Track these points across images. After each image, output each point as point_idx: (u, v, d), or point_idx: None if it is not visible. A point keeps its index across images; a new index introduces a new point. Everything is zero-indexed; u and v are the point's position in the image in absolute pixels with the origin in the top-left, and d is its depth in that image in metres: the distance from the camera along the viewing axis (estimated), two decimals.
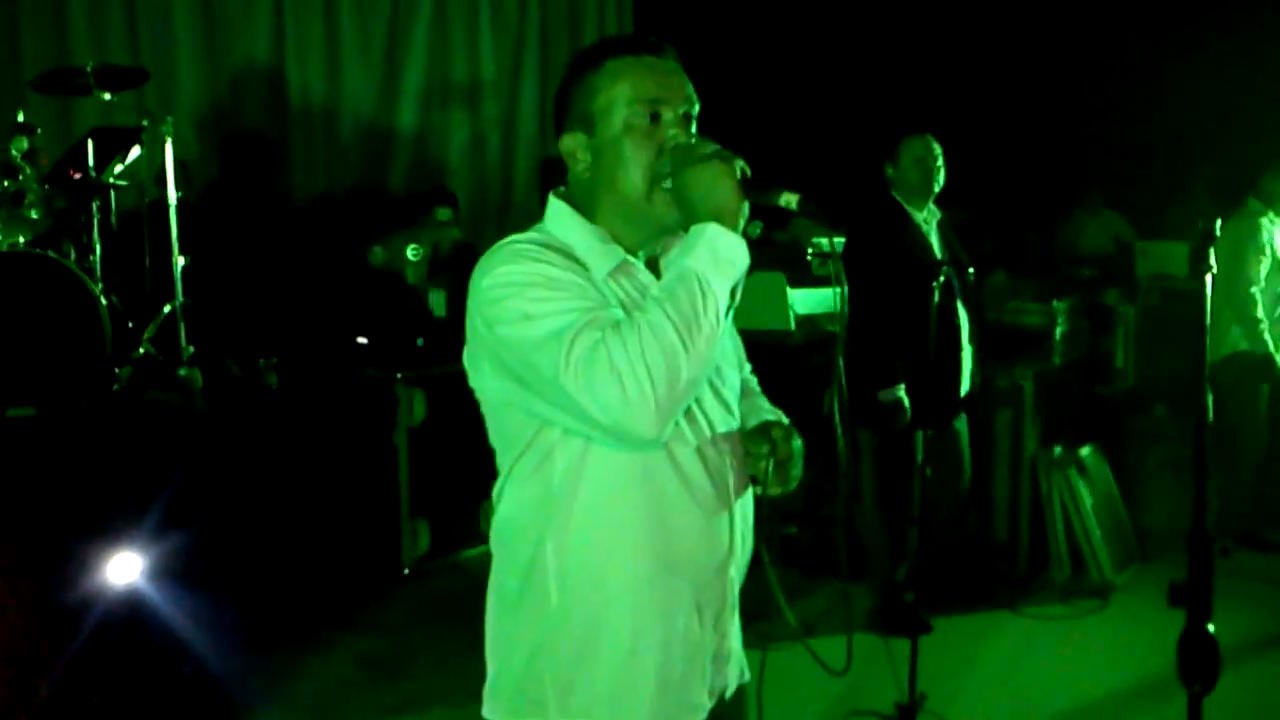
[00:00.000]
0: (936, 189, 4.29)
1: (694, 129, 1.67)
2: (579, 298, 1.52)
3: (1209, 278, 1.98)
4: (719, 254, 1.50)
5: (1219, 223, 2.00)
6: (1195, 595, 1.78)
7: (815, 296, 5.10)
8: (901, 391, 4.08)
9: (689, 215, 1.56)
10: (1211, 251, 1.99)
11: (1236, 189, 5.42)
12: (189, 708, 3.69)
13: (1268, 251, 5.18)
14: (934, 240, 4.31)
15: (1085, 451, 5.03)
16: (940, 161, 4.27)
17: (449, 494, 4.93)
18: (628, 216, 1.66)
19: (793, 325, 4.93)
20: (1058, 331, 4.93)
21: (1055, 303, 4.98)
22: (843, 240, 4.30)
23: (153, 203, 4.80)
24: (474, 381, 1.66)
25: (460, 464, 4.30)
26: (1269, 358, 5.19)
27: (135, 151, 4.60)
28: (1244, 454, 5.32)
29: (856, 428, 4.31)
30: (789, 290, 4.94)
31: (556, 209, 1.70)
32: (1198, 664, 1.81)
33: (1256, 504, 5.45)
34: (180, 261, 4.51)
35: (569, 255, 1.60)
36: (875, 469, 4.41)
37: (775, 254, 4.97)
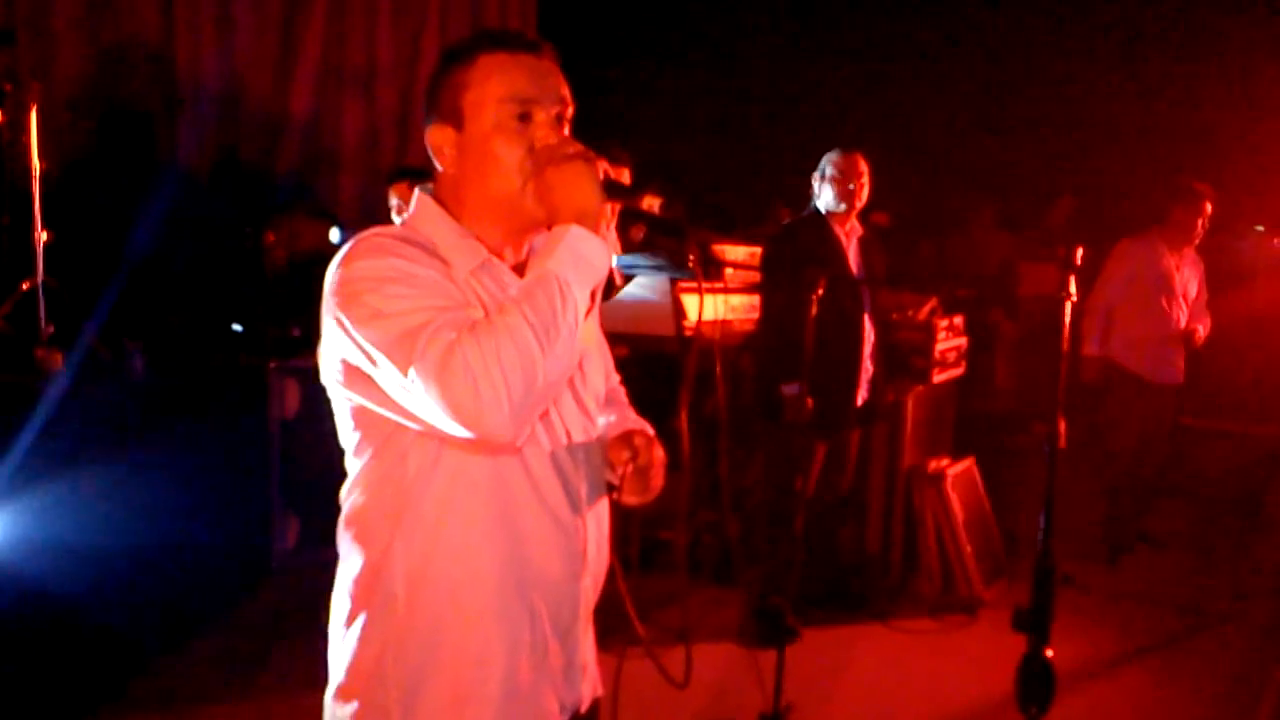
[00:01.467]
0: (859, 204, 4.36)
1: (567, 131, 1.64)
2: (436, 296, 1.48)
3: (1069, 305, 1.99)
4: (579, 256, 1.49)
5: (1079, 252, 2.02)
6: (1035, 620, 1.80)
7: (706, 303, 5.09)
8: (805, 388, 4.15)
9: (552, 216, 1.54)
10: (1072, 279, 2.00)
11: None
12: (39, 706, 3.55)
13: (1149, 274, 5.34)
14: (851, 253, 4.37)
15: (960, 467, 5.10)
16: (865, 179, 4.35)
17: (322, 489, 4.79)
18: (493, 214, 1.63)
19: (678, 331, 4.91)
20: (938, 348, 4.99)
21: (937, 319, 5.04)
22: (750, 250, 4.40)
23: (12, 173, 4.57)
24: (326, 377, 1.61)
25: (334, 458, 4.16)
26: (1126, 371, 5.36)
27: None
28: (1111, 466, 5.48)
29: (760, 421, 4.39)
30: (678, 297, 4.92)
31: (423, 204, 1.67)
32: (1035, 688, 1.83)
33: (1134, 515, 5.61)
34: (42, 237, 4.31)
35: (431, 252, 1.56)
36: (768, 464, 4.46)
37: (660, 258, 4.97)
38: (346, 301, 1.49)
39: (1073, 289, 1.95)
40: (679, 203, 1.49)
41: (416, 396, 1.42)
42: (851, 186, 4.31)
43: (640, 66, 8.05)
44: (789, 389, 4.18)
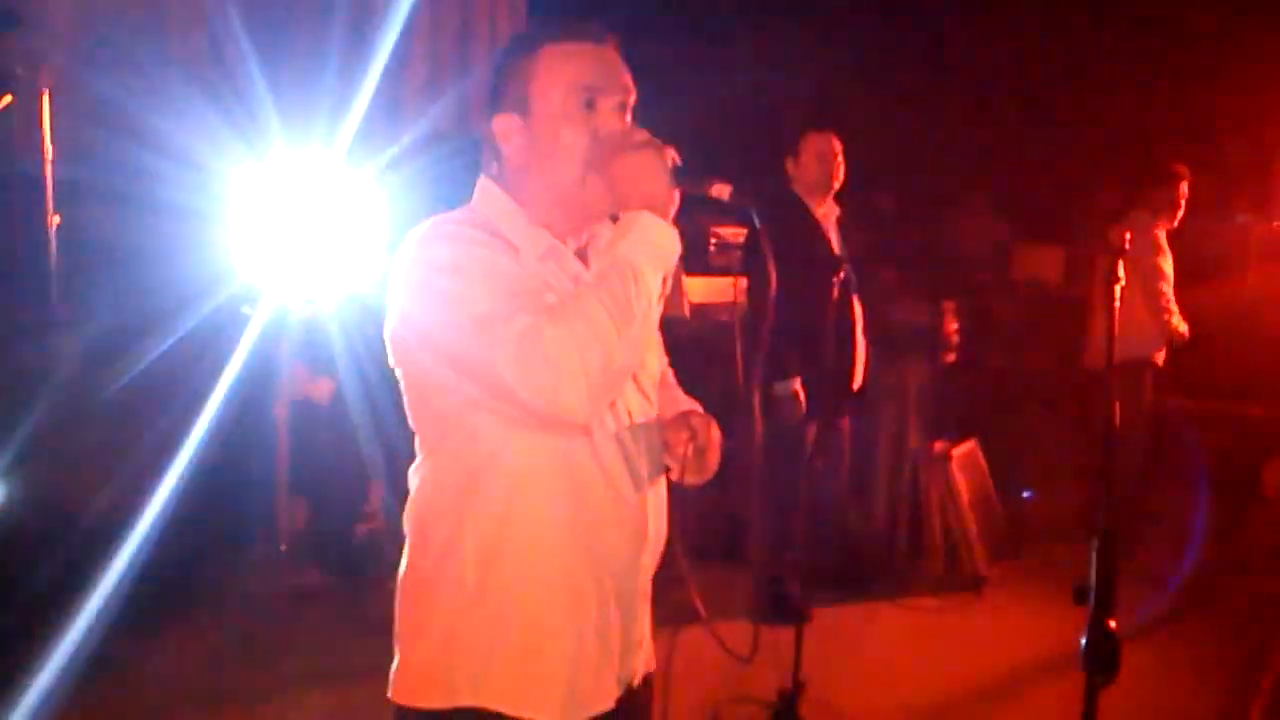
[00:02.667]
0: (835, 185, 4.34)
1: (630, 118, 1.66)
2: (511, 281, 1.52)
3: (1118, 289, 2.03)
4: (652, 243, 1.52)
5: (1128, 236, 2.05)
6: (1100, 591, 1.86)
7: (710, 285, 5.13)
8: (797, 385, 4.14)
9: (621, 203, 1.57)
10: (1120, 264, 2.04)
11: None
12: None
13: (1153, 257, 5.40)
14: (832, 235, 4.37)
15: (965, 448, 5.16)
16: (840, 158, 4.32)
17: (332, 471, 4.80)
18: (558, 202, 1.65)
19: (687, 312, 4.95)
20: (944, 330, 5.04)
21: (941, 301, 5.09)
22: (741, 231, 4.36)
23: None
24: (398, 357, 1.64)
25: (346, 441, 4.18)
26: (1147, 361, 5.41)
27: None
28: (1127, 454, 5.53)
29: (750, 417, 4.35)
30: (685, 277, 4.96)
31: (486, 190, 1.69)
32: (1101, 658, 1.90)
33: (1129, 501, 5.68)
34: (55, 220, 4.29)
35: (500, 237, 1.59)
36: (765, 459, 4.46)
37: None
38: (424, 286, 1.53)
39: (1121, 273, 1.98)
40: (748, 191, 1.51)
41: (497, 380, 1.45)
42: (830, 167, 4.30)
43: (630, 52, 8.04)
44: (780, 389, 4.15)
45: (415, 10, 7.24)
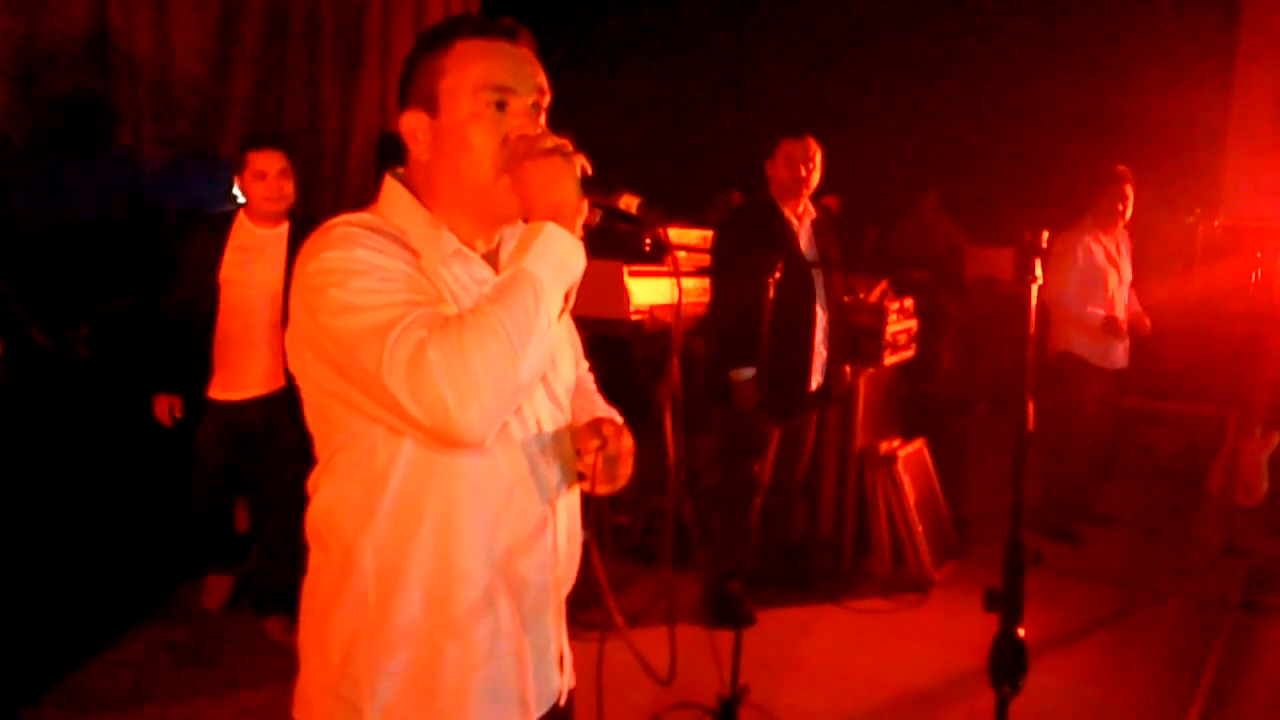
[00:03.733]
0: (809, 189, 4.38)
1: (543, 120, 1.61)
2: (407, 290, 1.45)
3: (1034, 288, 2.00)
4: (554, 256, 1.46)
5: (1045, 235, 2.03)
6: (1008, 603, 1.82)
7: (652, 287, 5.09)
8: (754, 373, 4.15)
9: (527, 211, 1.51)
10: (1038, 262, 2.02)
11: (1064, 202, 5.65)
12: None
13: (1092, 261, 5.42)
14: (803, 238, 4.38)
15: (911, 449, 5.15)
16: (815, 163, 4.37)
17: (277, 476, 4.72)
18: (466, 204, 1.59)
19: (629, 314, 4.91)
20: (889, 331, 5.03)
21: (888, 303, 5.08)
22: (684, 232, 4.38)
23: None
24: (295, 366, 1.57)
25: (288, 446, 4.11)
26: (1084, 360, 5.43)
27: None
28: (1068, 452, 5.56)
29: (712, 408, 4.38)
30: (627, 280, 4.92)
31: (392, 191, 1.63)
32: (1007, 667, 1.86)
33: (1075, 501, 5.71)
34: None
35: (401, 242, 1.53)
36: (721, 449, 4.47)
37: (613, 241, 4.95)
38: (315, 293, 1.46)
39: (1038, 272, 1.96)
40: (656, 207, 1.48)
41: (385, 394, 1.39)
42: (803, 171, 4.33)
43: (585, 52, 8.02)
44: (739, 375, 4.20)
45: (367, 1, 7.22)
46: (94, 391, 4.43)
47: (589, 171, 1.53)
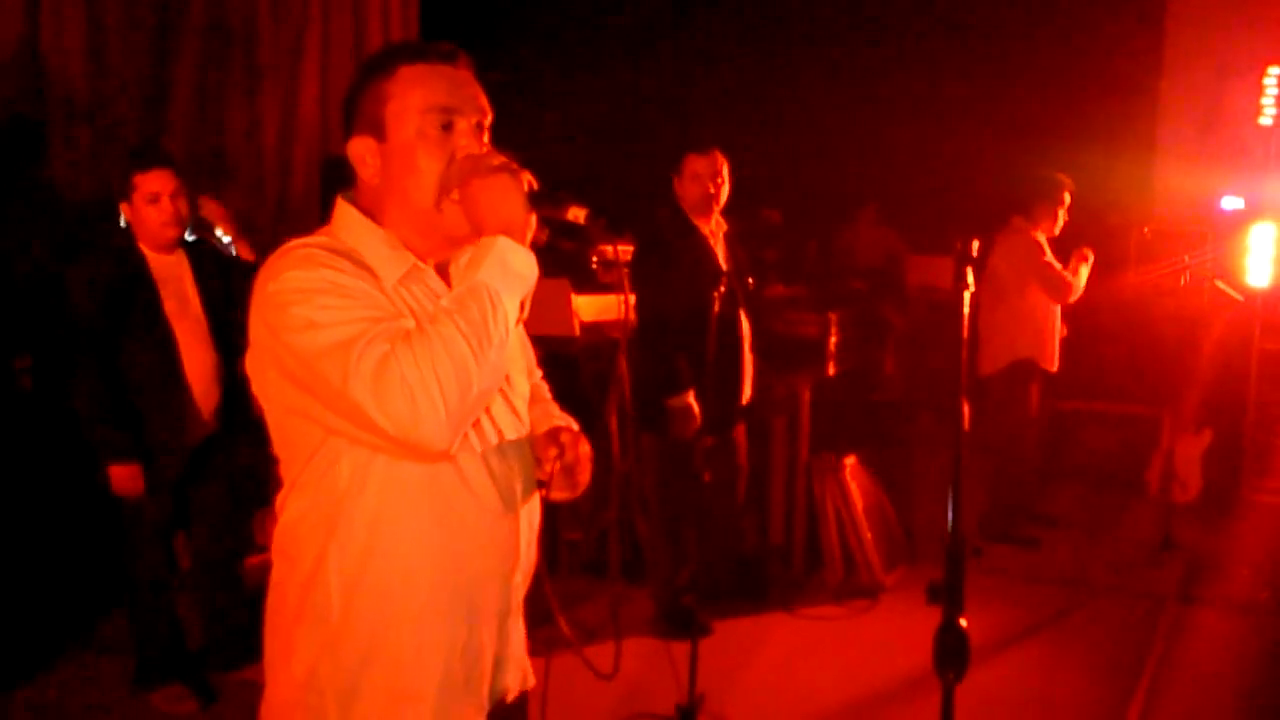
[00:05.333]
0: (719, 204, 4.39)
1: (487, 139, 1.66)
2: (368, 307, 1.50)
3: (967, 295, 2.08)
4: (509, 267, 1.51)
5: (976, 244, 2.10)
6: (950, 593, 1.90)
7: (599, 303, 5.13)
8: (691, 398, 4.16)
9: (477, 228, 1.56)
10: (969, 271, 2.09)
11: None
12: None
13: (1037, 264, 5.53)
14: (720, 251, 4.41)
15: (857, 457, 5.23)
16: (724, 177, 4.36)
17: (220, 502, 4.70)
18: (416, 225, 1.64)
19: (577, 331, 4.95)
20: (832, 341, 5.11)
21: (829, 314, 5.16)
22: (628, 248, 4.38)
23: None
24: (257, 387, 1.61)
25: (233, 471, 4.09)
26: (1035, 363, 5.54)
27: None
28: (1018, 457, 5.66)
29: (642, 432, 4.36)
30: (573, 297, 4.96)
31: (345, 213, 1.67)
32: (951, 655, 1.94)
33: (1024, 504, 5.82)
34: None
35: (357, 261, 1.57)
36: (659, 474, 4.47)
37: (560, 260, 4.99)
38: (278, 311, 1.50)
39: (970, 280, 2.03)
40: (603, 216, 1.52)
41: (351, 407, 1.43)
42: (711, 187, 4.32)
43: (520, 67, 8.05)
44: (674, 403, 4.17)
45: (306, 21, 7.21)
46: (37, 422, 4.37)
47: (535, 186, 1.58)
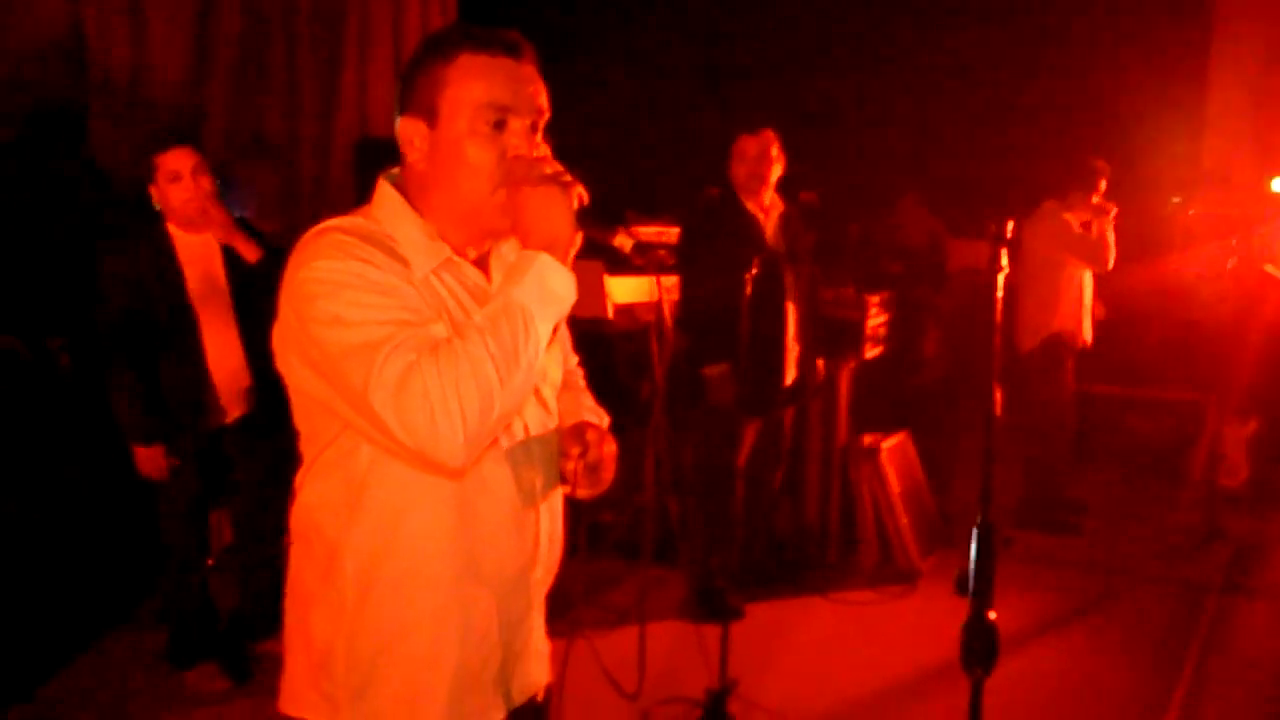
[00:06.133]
0: (769, 183, 4.39)
1: (540, 139, 1.61)
2: (397, 307, 1.46)
3: (1001, 277, 2.03)
4: (546, 288, 1.47)
5: (1010, 225, 2.06)
6: (978, 583, 1.85)
7: (632, 285, 5.11)
8: (727, 368, 4.16)
9: (521, 238, 1.52)
10: (1004, 252, 2.05)
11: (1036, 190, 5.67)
12: None
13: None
14: (770, 231, 4.39)
15: (894, 441, 5.18)
16: (775, 155, 4.38)
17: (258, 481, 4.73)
18: (458, 216, 1.60)
19: (610, 313, 4.93)
20: (870, 324, 5.06)
21: (868, 296, 5.10)
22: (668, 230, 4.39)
23: None
24: (281, 366, 1.59)
25: (274, 451, 4.10)
26: (1066, 340, 5.48)
27: None
28: (1054, 439, 5.60)
29: (687, 408, 4.37)
30: (607, 279, 4.94)
31: (385, 194, 1.63)
32: (979, 650, 1.89)
33: (1056, 488, 5.75)
34: None
35: (391, 250, 1.53)
36: (698, 456, 4.47)
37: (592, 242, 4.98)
38: (306, 302, 1.47)
39: (1004, 261, 1.98)
40: (655, 248, 1.49)
41: (370, 412, 1.40)
42: (760, 166, 4.35)
43: (566, 53, 8.03)
44: (711, 371, 4.21)
45: (345, 4, 7.22)
46: (75, 401, 4.41)
47: (585, 202, 1.53)
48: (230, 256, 3.72)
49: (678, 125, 8.62)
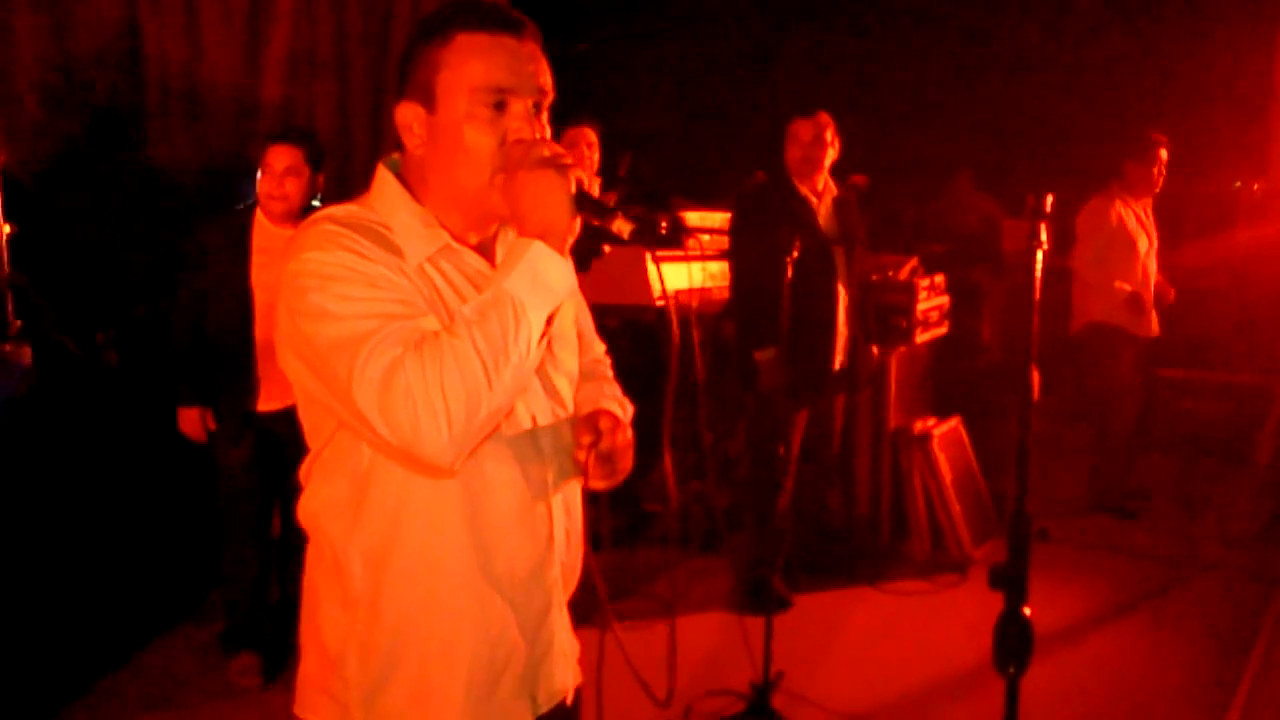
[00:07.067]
0: (823, 167, 4.34)
1: (545, 119, 1.56)
2: (386, 300, 1.42)
3: (1040, 254, 1.95)
4: (539, 278, 1.41)
5: (1049, 199, 1.98)
6: (1012, 579, 1.78)
7: (676, 272, 5.05)
8: (776, 353, 4.10)
9: (517, 224, 1.47)
10: (1043, 228, 1.97)
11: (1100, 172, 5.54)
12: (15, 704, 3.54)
13: (1121, 229, 5.33)
14: (824, 215, 4.33)
15: (947, 427, 5.08)
16: (829, 137, 4.32)
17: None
18: (457, 202, 1.56)
19: (655, 300, 4.88)
20: (921, 308, 4.96)
21: (918, 280, 5.01)
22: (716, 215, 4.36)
23: None
24: (280, 361, 1.55)
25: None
26: (1117, 329, 5.35)
27: None
28: (1112, 423, 5.47)
29: (743, 392, 4.37)
30: (652, 266, 4.89)
31: (383, 182, 1.59)
32: (1012, 647, 1.82)
33: (1116, 475, 5.61)
34: (5, 230, 4.22)
35: (384, 239, 1.49)
36: (749, 443, 4.43)
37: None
38: (295, 295, 1.44)
39: (1043, 237, 1.90)
40: (648, 232, 1.45)
41: (354, 408, 1.36)
42: (815, 150, 4.29)
43: (612, 36, 7.98)
44: (763, 355, 4.17)
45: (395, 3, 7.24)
46: (123, 395, 4.46)
47: (585, 186, 1.48)
48: None
49: (729, 109, 8.55)
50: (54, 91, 5.71)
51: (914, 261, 5.16)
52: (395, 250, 1.49)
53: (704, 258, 4.95)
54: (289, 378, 1.56)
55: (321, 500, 1.58)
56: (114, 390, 4.42)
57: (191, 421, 3.82)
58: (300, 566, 3.85)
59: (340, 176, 6.93)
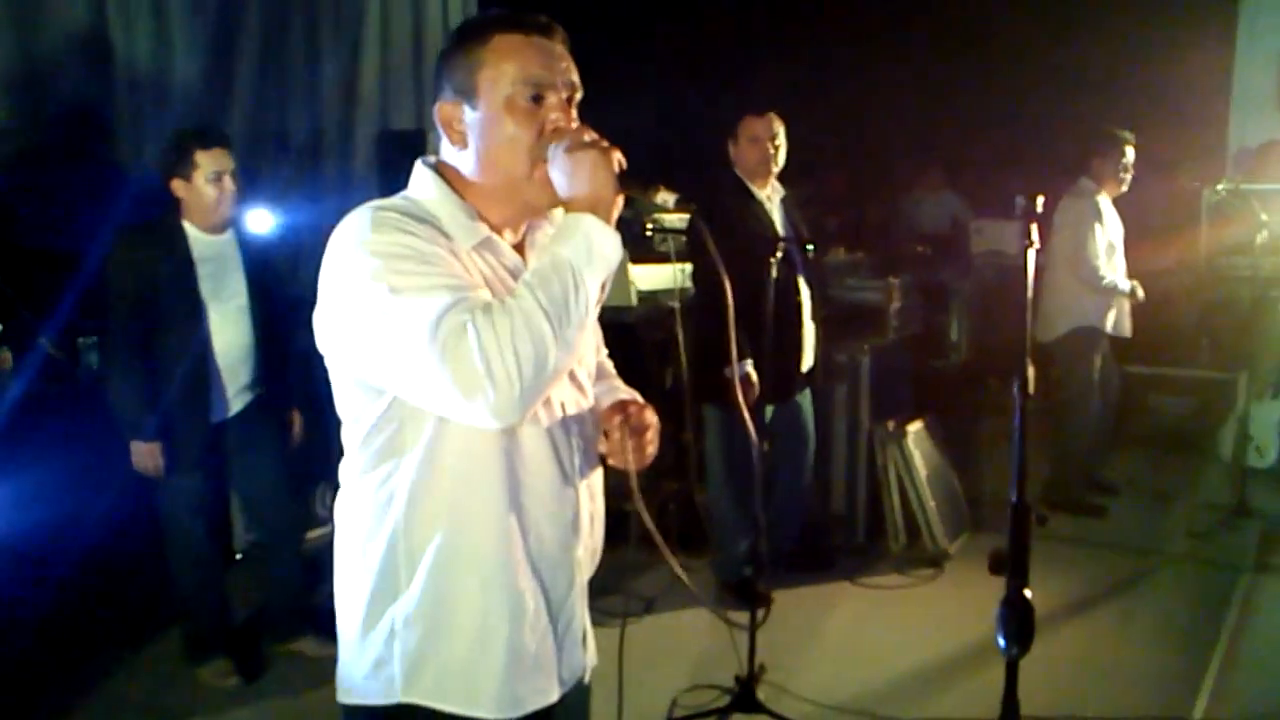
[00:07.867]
0: (776, 167, 4.32)
1: (575, 114, 1.66)
2: (447, 274, 1.50)
3: (1031, 253, 2.02)
4: (594, 247, 1.50)
5: (1040, 200, 2.04)
6: (1014, 562, 1.85)
7: (656, 273, 5.10)
8: (749, 367, 4.09)
9: (566, 203, 1.56)
10: (1035, 228, 2.03)
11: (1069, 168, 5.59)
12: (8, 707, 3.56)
13: (1105, 227, 5.37)
14: (776, 217, 4.34)
15: (920, 425, 5.16)
16: (780, 140, 4.29)
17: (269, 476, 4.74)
18: (498, 194, 1.65)
19: (634, 300, 4.93)
20: (893, 307, 5.03)
21: (890, 279, 5.08)
22: (686, 217, 4.32)
23: None
24: (324, 348, 1.62)
25: (283, 446, 4.11)
26: (1098, 330, 5.41)
27: None
28: (1078, 424, 5.54)
29: (703, 403, 4.34)
30: (630, 266, 4.94)
31: (422, 178, 1.68)
32: (1016, 628, 1.89)
33: (1085, 471, 5.70)
34: None
35: (435, 226, 1.58)
36: (720, 444, 4.44)
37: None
38: (356, 277, 1.50)
39: (1034, 236, 1.97)
40: (692, 201, 1.52)
41: (425, 374, 1.43)
42: (770, 150, 4.26)
43: (595, 43, 8.00)
44: (731, 372, 4.10)
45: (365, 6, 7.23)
46: (105, 399, 4.45)
47: (624, 166, 1.58)
48: (245, 253, 3.75)
49: (694, 109, 8.58)
50: (21, 95, 5.66)
51: (886, 261, 5.24)
52: (446, 235, 1.58)
53: (676, 260, 4.99)
54: (330, 365, 1.63)
55: (365, 490, 1.64)
56: (96, 393, 4.40)
57: (151, 455, 3.63)
58: (280, 571, 3.84)
59: (311, 177, 6.93)
